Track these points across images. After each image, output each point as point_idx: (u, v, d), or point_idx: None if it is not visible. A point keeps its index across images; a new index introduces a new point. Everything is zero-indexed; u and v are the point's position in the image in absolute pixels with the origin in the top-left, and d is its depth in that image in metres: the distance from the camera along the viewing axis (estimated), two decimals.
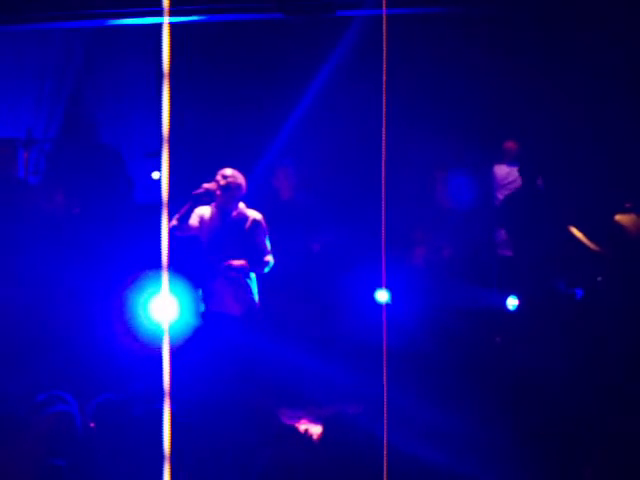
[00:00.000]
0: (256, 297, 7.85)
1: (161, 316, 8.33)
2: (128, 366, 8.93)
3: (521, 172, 9.51)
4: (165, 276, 2.94)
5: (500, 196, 9.80)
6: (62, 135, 10.71)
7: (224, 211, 7.79)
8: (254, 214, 7.86)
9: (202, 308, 7.87)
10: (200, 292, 7.90)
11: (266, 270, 7.88)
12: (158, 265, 2.98)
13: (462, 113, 9.72)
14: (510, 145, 9.92)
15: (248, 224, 7.81)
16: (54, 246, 9.04)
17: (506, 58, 9.62)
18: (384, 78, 4.20)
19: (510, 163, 9.89)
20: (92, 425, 5.83)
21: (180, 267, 7.64)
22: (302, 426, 6.57)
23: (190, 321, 8.02)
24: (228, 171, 7.73)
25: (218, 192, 7.69)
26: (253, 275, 7.85)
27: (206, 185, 7.69)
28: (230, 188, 7.72)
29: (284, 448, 5.68)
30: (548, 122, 9.70)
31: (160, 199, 2.91)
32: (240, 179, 7.76)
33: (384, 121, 4.28)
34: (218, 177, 7.72)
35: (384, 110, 4.29)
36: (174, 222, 7.68)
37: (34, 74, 10.73)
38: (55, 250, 9.00)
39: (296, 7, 8.60)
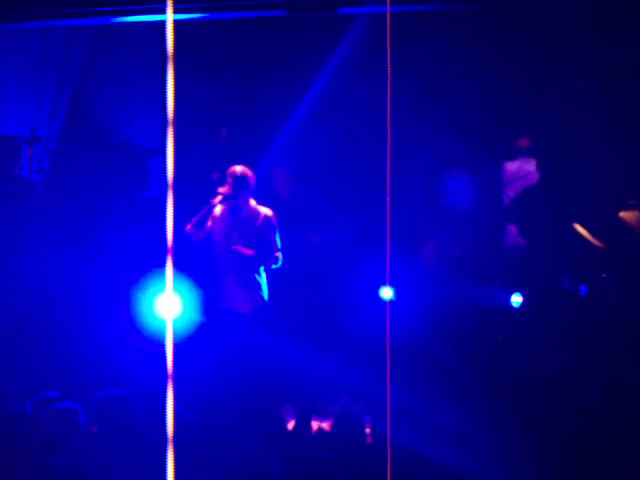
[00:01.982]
0: (265, 295, 7.86)
1: (165, 313, 8.34)
2: (132, 363, 8.94)
3: (538, 169, 9.52)
4: (169, 273, 2.93)
5: (510, 192, 9.77)
6: (65, 133, 10.71)
7: (235, 208, 7.83)
8: (265, 210, 7.90)
9: (210, 305, 7.87)
10: (209, 289, 7.91)
11: (275, 266, 7.90)
12: (162, 262, 2.98)
13: (467, 111, 9.70)
14: (523, 142, 9.90)
15: (259, 220, 7.84)
16: (57, 243, 9.04)
17: (509, 56, 9.61)
18: (388, 76, 4.20)
19: (522, 159, 9.87)
20: (94, 418, 5.84)
21: (189, 264, 7.66)
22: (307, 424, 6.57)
23: (194, 318, 8.02)
24: (238, 168, 7.80)
25: (230, 190, 7.74)
26: (263, 273, 7.86)
27: (221, 190, 7.74)
28: (241, 185, 7.77)
29: (288, 446, 5.68)
30: (552, 119, 9.68)
31: (164, 196, 2.91)
32: (249, 175, 7.82)
33: (388, 119, 4.27)
34: (229, 178, 7.77)
35: (388, 108, 4.28)
36: (191, 229, 7.71)
37: (37, 72, 10.74)
38: (59, 247, 9.01)
39: (298, 5, 8.61)
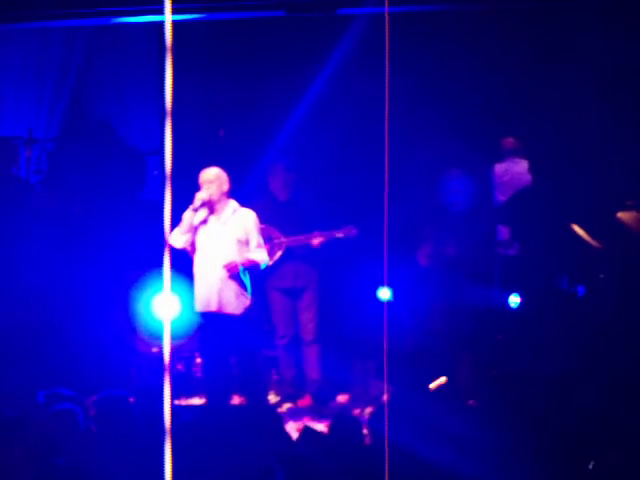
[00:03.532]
0: (250, 295, 7.85)
1: (162, 314, 8.34)
2: (130, 363, 8.95)
3: (536, 169, 9.51)
4: (167, 274, 2.94)
5: (499, 194, 9.75)
6: (63, 133, 10.71)
7: (216, 210, 7.83)
8: (246, 211, 7.90)
9: (199, 308, 7.85)
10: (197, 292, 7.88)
11: (263, 267, 7.91)
12: (160, 263, 2.98)
13: (466, 112, 9.69)
14: (508, 142, 9.88)
15: (241, 222, 7.85)
16: (56, 244, 9.04)
17: (508, 56, 9.61)
18: (386, 77, 4.20)
19: (510, 161, 9.85)
20: (93, 419, 5.84)
21: (179, 266, 7.66)
22: (304, 424, 6.58)
23: (190, 319, 8.02)
24: (209, 174, 7.78)
25: (207, 196, 7.74)
26: (247, 274, 7.86)
27: (200, 196, 7.73)
28: (216, 189, 7.77)
29: (286, 446, 5.68)
30: (550, 120, 9.68)
31: (162, 196, 2.91)
32: (223, 177, 7.82)
33: (386, 119, 4.28)
34: (203, 184, 7.76)
35: (386, 109, 4.29)
36: (173, 239, 7.66)
37: (36, 72, 10.74)
38: (57, 248, 9.01)
39: (297, 5, 8.61)
